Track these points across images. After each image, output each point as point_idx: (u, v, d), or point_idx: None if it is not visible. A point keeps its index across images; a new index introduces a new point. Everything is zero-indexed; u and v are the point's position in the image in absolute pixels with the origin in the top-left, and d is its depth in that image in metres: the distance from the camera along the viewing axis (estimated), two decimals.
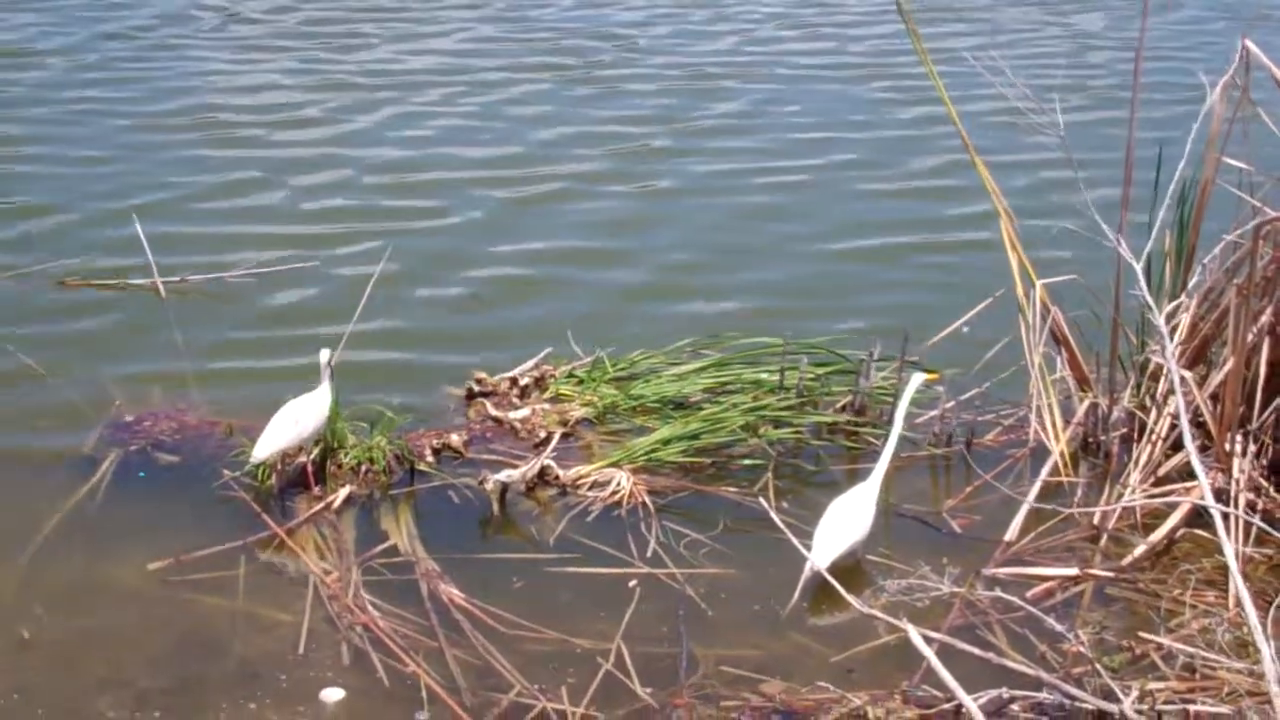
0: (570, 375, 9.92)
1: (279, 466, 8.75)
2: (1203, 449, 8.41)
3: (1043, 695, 6.84)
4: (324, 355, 8.75)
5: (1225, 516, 7.32)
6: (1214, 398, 8.61)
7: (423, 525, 8.53)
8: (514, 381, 9.80)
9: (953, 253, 12.02)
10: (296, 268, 11.53)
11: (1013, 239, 9.20)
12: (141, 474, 8.90)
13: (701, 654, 7.45)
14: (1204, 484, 7.23)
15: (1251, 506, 8.28)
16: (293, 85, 15.98)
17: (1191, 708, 6.78)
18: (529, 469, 8.78)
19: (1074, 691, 6.80)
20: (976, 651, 7.05)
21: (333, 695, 7.15)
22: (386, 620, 7.65)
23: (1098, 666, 6.98)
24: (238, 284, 11.36)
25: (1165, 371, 8.44)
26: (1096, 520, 8.47)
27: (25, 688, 7.17)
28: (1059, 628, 7.26)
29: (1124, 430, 9.04)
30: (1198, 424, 8.54)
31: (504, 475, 8.70)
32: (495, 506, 8.66)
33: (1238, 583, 6.82)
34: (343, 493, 8.69)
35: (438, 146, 14.32)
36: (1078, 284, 9.32)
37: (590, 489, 8.80)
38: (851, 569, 8.00)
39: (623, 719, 7.05)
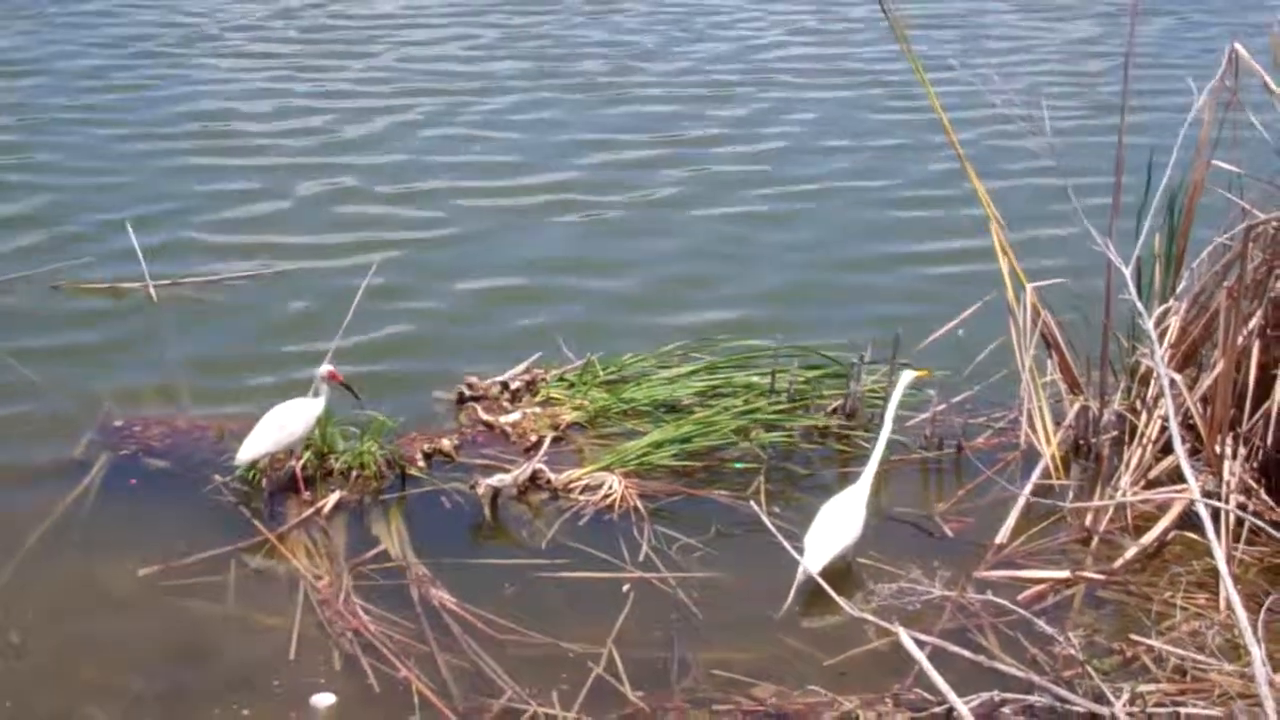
0: (561, 379, 9.91)
1: (269, 471, 8.74)
2: (1193, 452, 8.43)
3: (1034, 698, 6.84)
4: (323, 369, 8.76)
5: (1215, 519, 7.32)
6: (1204, 400, 8.62)
7: (414, 530, 8.52)
8: (505, 386, 9.79)
9: (946, 262, 12.01)
10: (289, 275, 11.55)
11: (1003, 244, 9.22)
12: (133, 481, 8.87)
13: (693, 658, 7.44)
14: (1194, 486, 7.23)
15: (1242, 508, 8.29)
16: (289, 95, 16.01)
17: (1183, 710, 6.78)
18: (520, 473, 8.77)
19: (1065, 694, 6.80)
20: (968, 654, 7.05)
21: (324, 700, 7.14)
22: (377, 625, 7.64)
23: (1089, 669, 6.99)
24: (229, 291, 11.36)
25: (1155, 375, 8.45)
26: (1088, 523, 8.48)
27: (16, 694, 7.15)
28: (1050, 630, 7.28)
29: (1115, 433, 9.05)
30: (1188, 427, 8.56)
31: (495, 479, 8.70)
32: (486, 511, 8.65)
33: (1228, 585, 6.83)
34: (333, 498, 8.68)
35: (433, 155, 14.32)
36: (1068, 288, 9.33)
37: (582, 493, 8.80)
38: (843, 573, 8.00)
39: None
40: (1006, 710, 6.86)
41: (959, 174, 9.58)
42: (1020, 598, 7.82)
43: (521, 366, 9.96)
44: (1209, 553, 7.17)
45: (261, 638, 7.61)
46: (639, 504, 8.70)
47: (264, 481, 8.74)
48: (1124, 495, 8.46)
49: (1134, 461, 8.66)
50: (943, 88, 11.55)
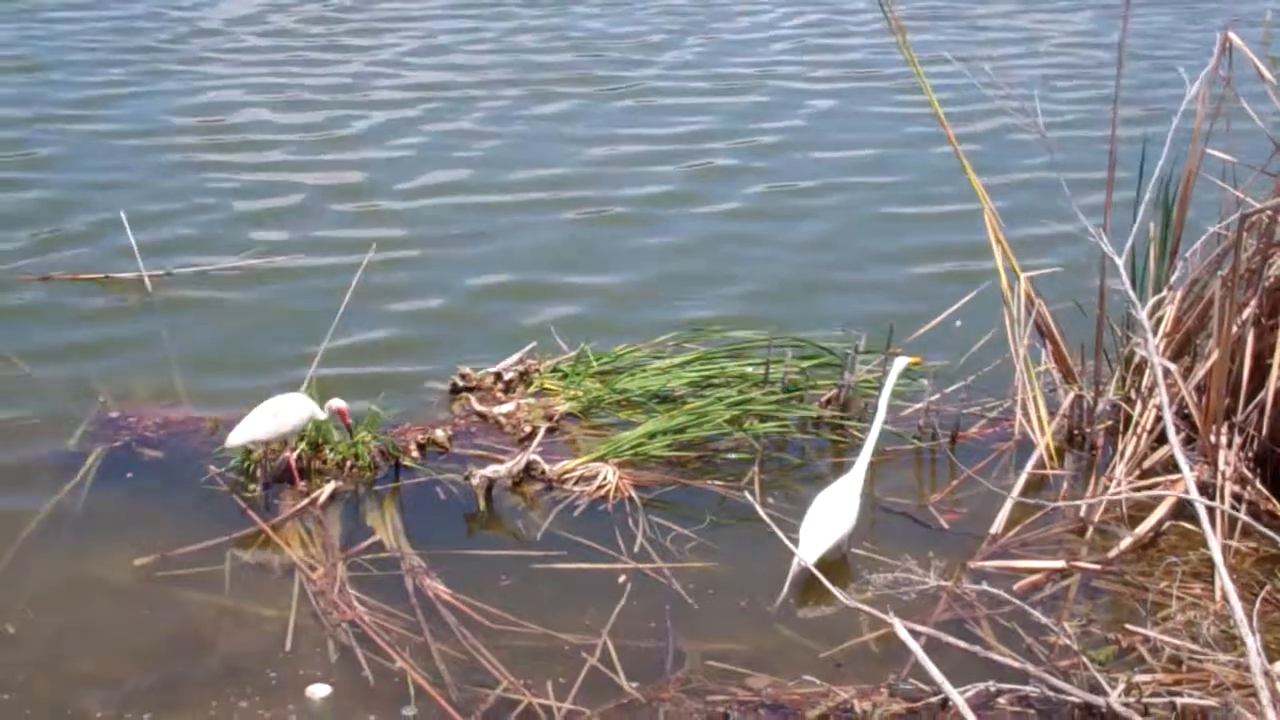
0: (555, 370, 9.90)
1: (264, 461, 8.73)
2: (1188, 441, 8.44)
3: (1029, 688, 6.85)
4: (335, 402, 8.77)
5: (1210, 509, 7.32)
6: (1199, 390, 8.62)
7: (408, 521, 8.52)
8: (498, 376, 9.78)
9: (942, 257, 11.98)
10: (285, 270, 11.53)
11: (997, 234, 9.22)
12: (129, 474, 8.87)
13: (688, 648, 7.44)
14: (1188, 476, 7.23)
15: (1237, 498, 8.30)
16: (287, 91, 15.98)
17: (1178, 700, 6.78)
18: (515, 464, 8.76)
19: (1061, 684, 6.80)
20: (963, 645, 7.06)
21: (319, 692, 7.14)
22: (372, 616, 7.64)
23: (1084, 659, 6.99)
24: (225, 284, 11.34)
25: (1150, 364, 8.45)
26: (1083, 513, 8.48)
27: (11, 685, 7.14)
28: (1045, 620, 7.28)
29: (1109, 423, 9.06)
30: (1183, 416, 8.56)
31: (490, 470, 8.69)
32: (481, 502, 8.65)
33: (1223, 575, 6.82)
34: (328, 488, 8.68)
35: (430, 151, 14.30)
36: (1063, 278, 9.32)
37: (576, 484, 8.80)
38: (838, 563, 8.00)
39: (609, 714, 7.04)
40: (1002, 700, 6.87)
41: (957, 169, 9.56)
42: (1015, 588, 7.81)
43: (515, 357, 9.95)
44: (1204, 543, 7.17)
45: (257, 629, 7.61)
46: (633, 495, 8.70)
47: (259, 473, 8.73)
48: (1118, 487, 8.46)
49: (1129, 451, 8.65)
50: (939, 81, 11.55)
